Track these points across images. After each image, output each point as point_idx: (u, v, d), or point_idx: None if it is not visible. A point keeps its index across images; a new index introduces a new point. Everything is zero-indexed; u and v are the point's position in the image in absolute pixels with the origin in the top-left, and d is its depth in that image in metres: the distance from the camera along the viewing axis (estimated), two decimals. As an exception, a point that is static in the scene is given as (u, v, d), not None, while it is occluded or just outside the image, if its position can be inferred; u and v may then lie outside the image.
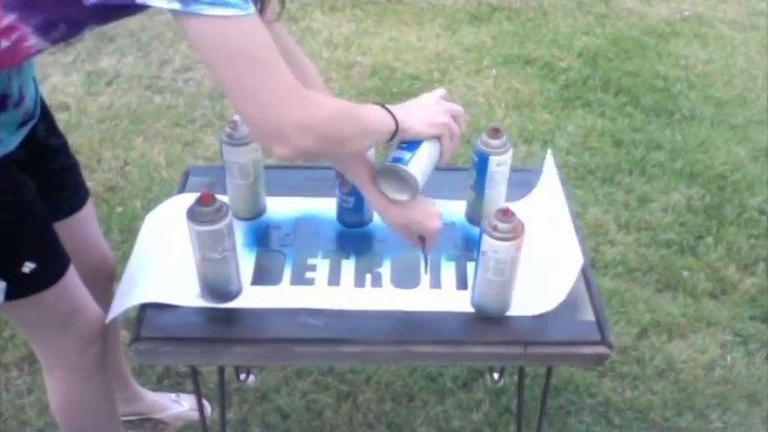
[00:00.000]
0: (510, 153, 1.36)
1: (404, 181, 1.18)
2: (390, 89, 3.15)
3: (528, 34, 3.62)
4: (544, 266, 1.31)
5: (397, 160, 1.17)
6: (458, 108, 1.23)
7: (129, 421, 1.80)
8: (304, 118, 0.95)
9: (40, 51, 1.03)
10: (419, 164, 1.17)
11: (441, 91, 1.24)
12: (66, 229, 1.31)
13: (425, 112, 1.18)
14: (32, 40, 0.99)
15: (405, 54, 3.42)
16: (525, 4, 3.89)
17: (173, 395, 1.86)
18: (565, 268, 1.28)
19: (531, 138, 2.87)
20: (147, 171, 2.66)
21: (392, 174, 1.18)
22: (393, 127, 1.13)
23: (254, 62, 0.89)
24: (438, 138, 1.20)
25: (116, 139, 2.82)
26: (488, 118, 2.96)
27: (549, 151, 1.56)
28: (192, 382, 1.47)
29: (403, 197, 1.20)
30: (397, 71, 3.28)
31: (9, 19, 0.95)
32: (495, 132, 1.34)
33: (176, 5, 0.82)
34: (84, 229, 1.46)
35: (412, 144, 1.18)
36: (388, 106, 1.14)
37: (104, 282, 1.53)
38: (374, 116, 1.12)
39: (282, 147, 0.95)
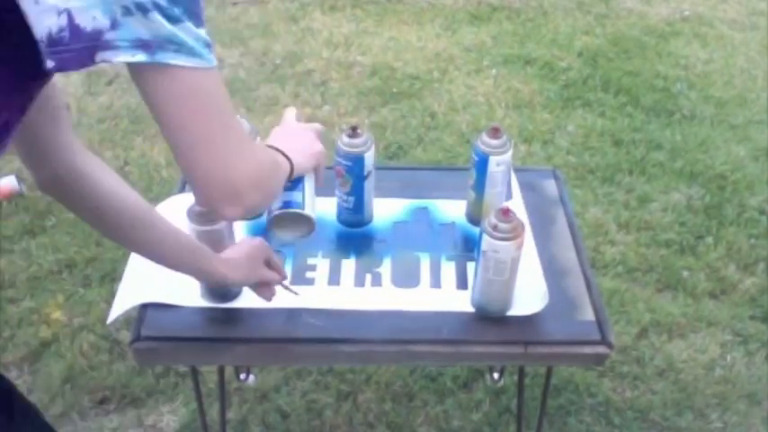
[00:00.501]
0: (510, 153, 1.36)
1: (300, 222, 1.13)
2: (390, 89, 3.15)
3: (528, 34, 3.62)
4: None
5: (289, 204, 1.11)
6: (319, 127, 1.20)
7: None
8: (255, 174, 0.89)
9: None
10: (311, 200, 1.14)
11: (293, 111, 1.21)
12: None
13: (301, 143, 1.14)
14: None
15: (405, 54, 3.42)
16: (525, 4, 3.89)
17: None
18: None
19: (531, 138, 2.87)
20: (147, 171, 2.66)
21: (289, 218, 1.13)
22: (289, 169, 1.08)
23: (219, 116, 0.83)
24: (315, 167, 1.16)
25: (116, 139, 2.82)
26: (488, 118, 2.96)
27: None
28: (192, 381, 1.47)
29: (298, 235, 1.16)
30: (397, 71, 3.28)
31: None
32: (495, 132, 1.34)
33: (141, 57, 0.75)
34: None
35: (295, 182, 1.12)
36: (275, 146, 1.08)
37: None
38: (282, 160, 1.07)
39: (234, 206, 0.88)
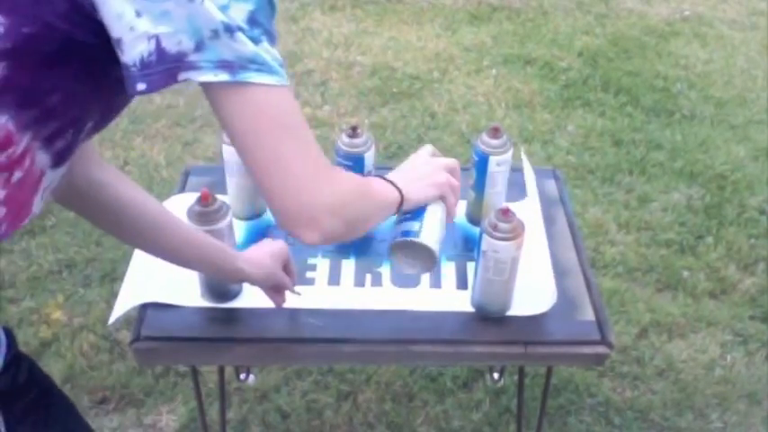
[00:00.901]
0: (510, 153, 1.36)
1: (419, 253, 1.10)
2: (390, 89, 3.15)
3: (528, 34, 3.62)
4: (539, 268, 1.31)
5: (407, 233, 1.08)
6: (452, 162, 1.14)
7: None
8: (333, 200, 0.88)
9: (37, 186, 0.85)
10: (431, 231, 1.09)
11: (428, 148, 1.17)
12: None
13: (422, 173, 1.11)
14: (38, 160, 0.81)
15: (405, 54, 3.42)
16: (525, 4, 3.89)
17: None
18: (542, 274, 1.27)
19: (531, 138, 2.87)
20: (147, 171, 2.66)
21: (407, 248, 1.09)
22: (398, 199, 1.05)
23: (296, 135, 0.85)
24: (441, 198, 1.11)
25: (116, 139, 2.82)
26: (488, 118, 2.96)
27: (524, 154, 1.50)
28: (192, 381, 1.47)
29: (419, 270, 1.13)
30: (397, 71, 3.28)
31: (24, 141, 0.77)
32: (495, 132, 1.34)
33: (224, 77, 0.75)
34: None
35: (417, 212, 1.09)
36: (387, 177, 1.07)
37: None
38: (383, 189, 1.05)
39: (312, 232, 0.87)
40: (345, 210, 0.91)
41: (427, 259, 1.10)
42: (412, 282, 1.31)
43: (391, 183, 1.06)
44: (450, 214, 1.13)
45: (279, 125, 0.83)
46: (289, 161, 0.83)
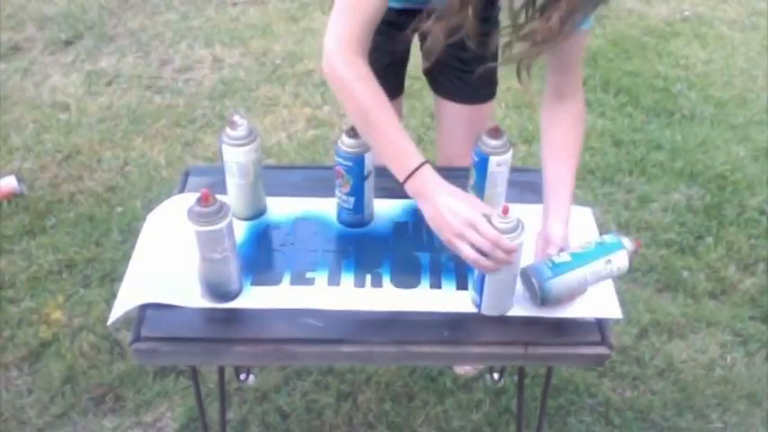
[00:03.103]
0: (510, 153, 1.36)
1: (533, 292, 1.20)
2: (390, 89, 3.14)
3: (528, 34, 3.61)
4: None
5: (539, 272, 1.19)
6: (494, 237, 1.10)
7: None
8: (330, 69, 1.21)
9: None
10: (560, 284, 1.18)
11: (492, 211, 1.15)
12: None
13: (442, 215, 1.14)
14: None
15: (405, 54, 3.41)
16: (525, 4, 3.89)
17: None
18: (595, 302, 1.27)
19: (531, 138, 2.87)
20: (147, 171, 2.66)
21: (527, 278, 1.20)
22: (401, 176, 1.17)
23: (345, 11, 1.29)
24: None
25: (116, 139, 2.82)
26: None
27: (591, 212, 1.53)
28: (192, 381, 1.47)
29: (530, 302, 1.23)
30: (397, 71, 3.28)
31: None
32: (495, 132, 1.34)
33: None
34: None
35: (569, 262, 1.18)
36: (426, 172, 1.17)
37: None
38: (398, 153, 1.19)
39: (325, 67, 1.23)
40: (332, 64, 1.23)
41: (536, 299, 1.20)
42: (412, 282, 1.31)
43: (420, 166, 1.17)
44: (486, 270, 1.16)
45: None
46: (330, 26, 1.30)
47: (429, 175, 1.17)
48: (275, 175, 1.47)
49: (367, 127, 1.22)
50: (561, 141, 1.33)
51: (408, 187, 1.18)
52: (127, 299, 1.26)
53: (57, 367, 1.95)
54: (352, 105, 1.21)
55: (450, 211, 1.14)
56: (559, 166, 1.31)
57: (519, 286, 1.24)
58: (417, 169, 1.17)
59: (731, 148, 2.87)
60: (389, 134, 1.20)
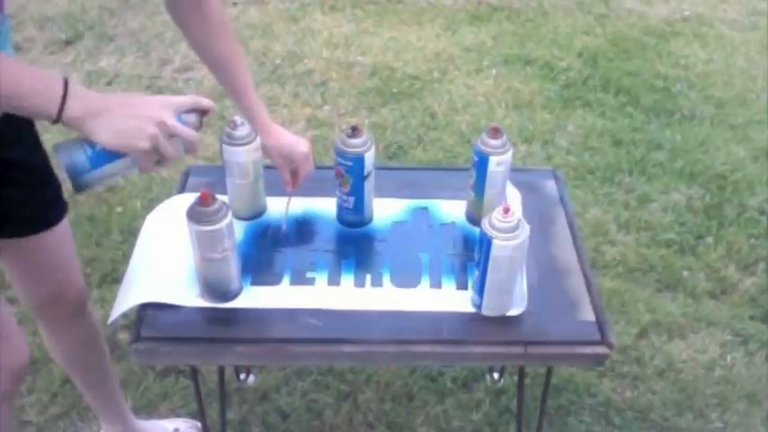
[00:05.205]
0: (510, 153, 1.36)
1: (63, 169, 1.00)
2: (390, 89, 3.15)
3: (528, 34, 3.62)
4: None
5: (67, 155, 0.99)
6: (186, 134, 0.99)
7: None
8: None
9: None
10: (98, 176, 1.00)
11: (185, 100, 1.04)
12: (20, 249, 1.27)
13: (129, 122, 0.95)
14: None
15: (405, 54, 3.42)
16: (525, 4, 3.89)
17: (167, 424, 1.82)
18: None
19: (531, 138, 2.87)
20: (147, 171, 2.66)
21: (62, 155, 1.00)
22: (50, 112, 0.91)
23: None
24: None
25: (116, 139, 2.82)
26: (488, 118, 2.96)
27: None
28: (192, 381, 1.47)
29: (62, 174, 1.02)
30: (397, 71, 3.28)
31: None
32: (495, 132, 1.34)
33: None
34: (45, 250, 1.34)
35: (102, 154, 0.98)
36: (75, 88, 0.92)
37: (69, 309, 1.46)
38: (37, 79, 0.91)
39: None
40: None
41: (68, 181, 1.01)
42: (412, 282, 1.31)
43: (63, 91, 0.91)
44: (143, 171, 1.01)
45: None
46: None
47: (81, 87, 0.95)
48: (275, 175, 1.47)
49: (13, 70, 0.90)
50: (228, 50, 1.35)
51: (72, 111, 0.93)
52: (127, 298, 1.26)
53: (57, 368, 1.95)
54: None
55: (138, 116, 0.96)
56: (237, 70, 1.35)
57: (518, 285, 1.24)
58: (67, 85, 0.93)
59: (731, 148, 2.87)
60: (17, 69, 0.91)
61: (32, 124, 1.27)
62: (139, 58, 3.34)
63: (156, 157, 0.98)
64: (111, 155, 0.99)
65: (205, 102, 1.08)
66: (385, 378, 1.95)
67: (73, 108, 0.92)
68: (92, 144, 0.98)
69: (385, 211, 1.46)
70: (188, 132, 1.00)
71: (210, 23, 1.30)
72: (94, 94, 0.96)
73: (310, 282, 1.30)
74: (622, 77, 3.27)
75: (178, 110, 1.02)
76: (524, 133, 2.90)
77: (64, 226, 1.37)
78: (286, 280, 1.30)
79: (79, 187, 1.00)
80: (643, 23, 3.77)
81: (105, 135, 0.95)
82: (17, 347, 1.24)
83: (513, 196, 1.46)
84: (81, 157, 0.99)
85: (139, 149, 0.96)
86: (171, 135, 0.98)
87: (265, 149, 1.39)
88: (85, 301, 1.50)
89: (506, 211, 1.15)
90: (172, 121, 0.98)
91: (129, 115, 0.96)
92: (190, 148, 1.01)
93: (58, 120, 0.92)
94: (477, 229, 1.22)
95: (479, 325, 1.24)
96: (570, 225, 1.45)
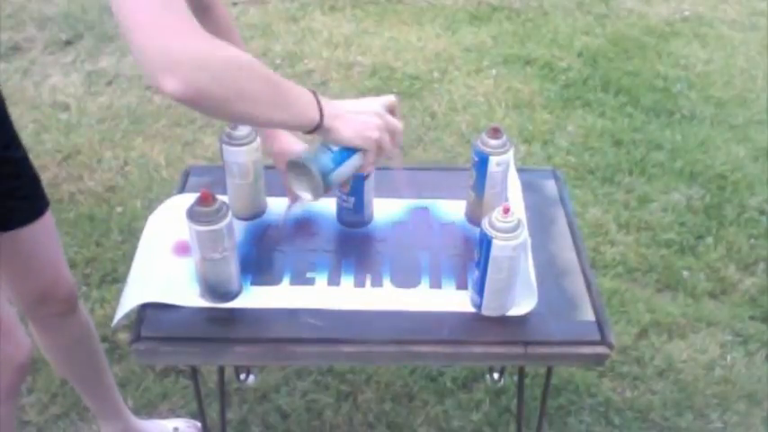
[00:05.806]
0: (510, 153, 1.36)
1: (312, 183, 1.12)
2: (390, 89, 3.14)
3: (528, 34, 3.62)
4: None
5: (307, 158, 1.11)
6: (397, 125, 1.15)
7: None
8: (203, 49, 0.88)
9: None
10: (338, 172, 1.13)
11: (388, 98, 1.17)
12: (9, 243, 1.27)
13: (359, 118, 1.10)
14: None
15: (405, 54, 3.42)
16: (525, 4, 3.89)
17: (167, 424, 1.82)
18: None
19: (531, 138, 2.87)
20: (147, 171, 2.66)
21: (299, 171, 1.12)
22: (316, 119, 1.04)
23: None
24: (365, 151, 1.13)
25: (116, 139, 2.82)
26: (488, 118, 2.96)
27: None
28: (192, 381, 1.47)
29: (306, 195, 1.15)
30: (397, 71, 3.28)
31: None
32: (495, 132, 1.34)
33: None
34: (29, 247, 1.35)
35: (342, 153, 1.12)
36: (320, 97, 1.06)
37: (60, 307, 1.46)
38: (297, 94, 1.03)
39: (173, 79, 0.85)
40: (217, 66, 0.90)
41: (314, 191, 1.13)
42: (412, 282, 1.31)
43: (318, 102, 1.05)
44: (365, 169, 1.17)
45: None
46: (153, 11, 0.87)
47: (324, 98, 1.08)
48: (275, 175, 1.47)
49: (276, 89, 1.01)
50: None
51: (327, 117, 1.06)
52: (129, 299, 1.26)
53: (57, 367, 1.95)
54: (251, 75, 0.98)
55: (364, 113, 1.12)
56: None
57: (518, 285, 1.24)
58: (316, 97, 1.06)
59: (731, 148, 2.87)
60: (285, 82, 1.03)
61: (5, 119, 1.26)
62: (139, 58, 3.34)
63: (378, 150, 1.12)
64: (346, 153, 1.12)
65: (392, 98, 1.19)
66: (385, 378, 1.95)
67: (327, 114, 1.06)
68: (329, 146, 1.12)
69: (385, 211, 1.46)
70: (398, 124, 1.15)
71: (217, 29, 1.28)
72: (328, 100, 1.08)
73: (310, 282, 1.30)
74: (622, 77, 3.27)
75: (383, 107, 1.15)
76: (524, 133, 2.90)
77: (46, 222, 1.36)
78: (286, 280, 1.30)
79: (327, 188, 1.13)
80: (643, 23, 3.77)
81: (347, 133, 1.09)
82: (20, 341, 1.26)
83: (515, 196, 1.45)
84: (326, 159, 1.12)
85: (372, 141, 1.11)
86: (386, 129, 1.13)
87: (272, 156, 1.39)
88: (76, 299, 1.50)
89: (506, 211, 1.15)
90: (388, 116, 1.14)
91: (357, 112, 1.11)
92: (399, 139, 1.16)
93: (319, 125, 1.05)
94: (477, 229, 1.22)
95: (479, 325, 1.24)
96: (570, 225, 1.45)
